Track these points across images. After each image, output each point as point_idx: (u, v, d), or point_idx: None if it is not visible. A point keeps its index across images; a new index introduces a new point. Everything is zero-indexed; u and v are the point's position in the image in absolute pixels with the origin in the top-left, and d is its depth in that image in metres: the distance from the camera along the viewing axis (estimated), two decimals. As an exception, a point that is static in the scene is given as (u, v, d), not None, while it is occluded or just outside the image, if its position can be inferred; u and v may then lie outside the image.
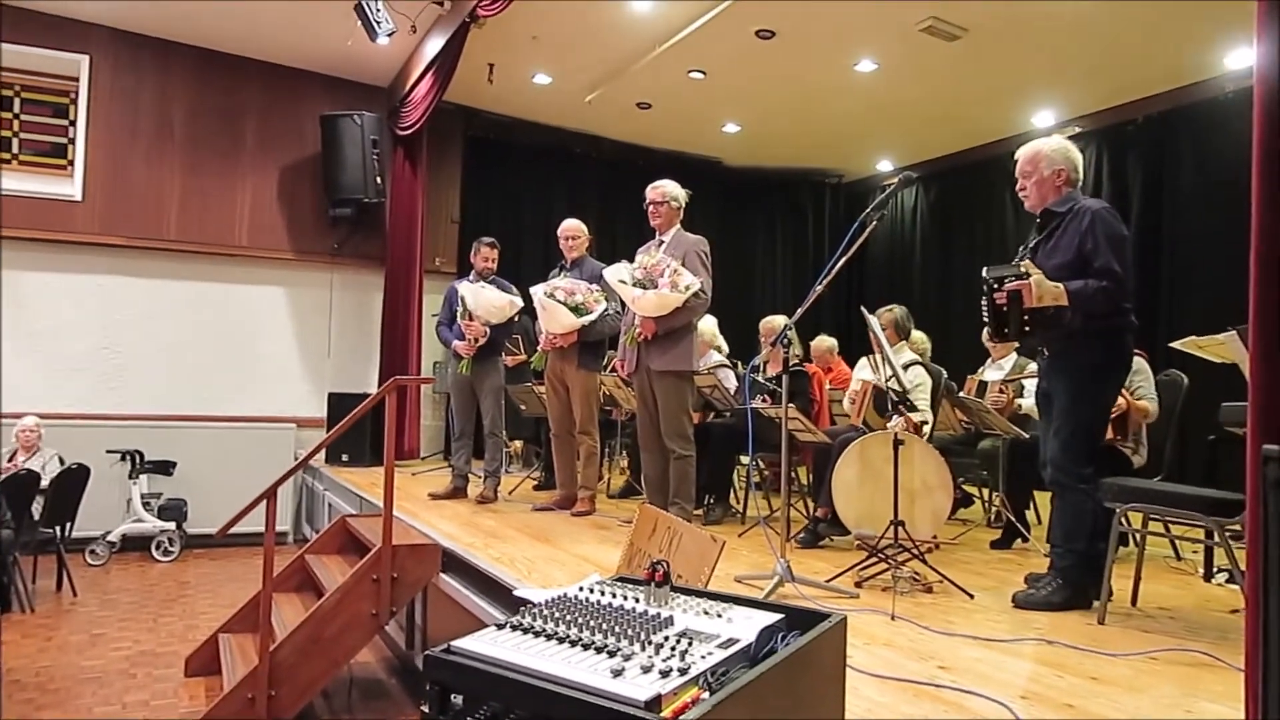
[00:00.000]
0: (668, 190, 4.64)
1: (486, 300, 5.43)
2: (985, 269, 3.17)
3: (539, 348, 5.26)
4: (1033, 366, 4.72)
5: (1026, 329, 3.06)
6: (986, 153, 8.62)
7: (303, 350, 8.11)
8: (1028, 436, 4.36)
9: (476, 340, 5.44)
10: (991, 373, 5.14)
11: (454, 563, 3.95)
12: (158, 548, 6.88)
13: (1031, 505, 4.75)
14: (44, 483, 5.67)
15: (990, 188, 8.57)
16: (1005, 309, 3.06)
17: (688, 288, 4.29)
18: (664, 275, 4.31)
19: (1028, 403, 4.68)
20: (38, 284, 7.13)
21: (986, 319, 3.17)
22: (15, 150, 7.11)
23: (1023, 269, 3.08)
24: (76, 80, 7.24)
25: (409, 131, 7.67)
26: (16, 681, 4.20)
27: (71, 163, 7.25)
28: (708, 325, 5.96)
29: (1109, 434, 3.49)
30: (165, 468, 7.07)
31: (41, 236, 7.07)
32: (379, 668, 4.78)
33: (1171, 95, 7.07)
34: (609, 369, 5.54)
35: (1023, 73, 7.06)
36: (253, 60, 7.79)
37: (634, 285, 4.39)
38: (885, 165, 9.94)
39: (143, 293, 7.48)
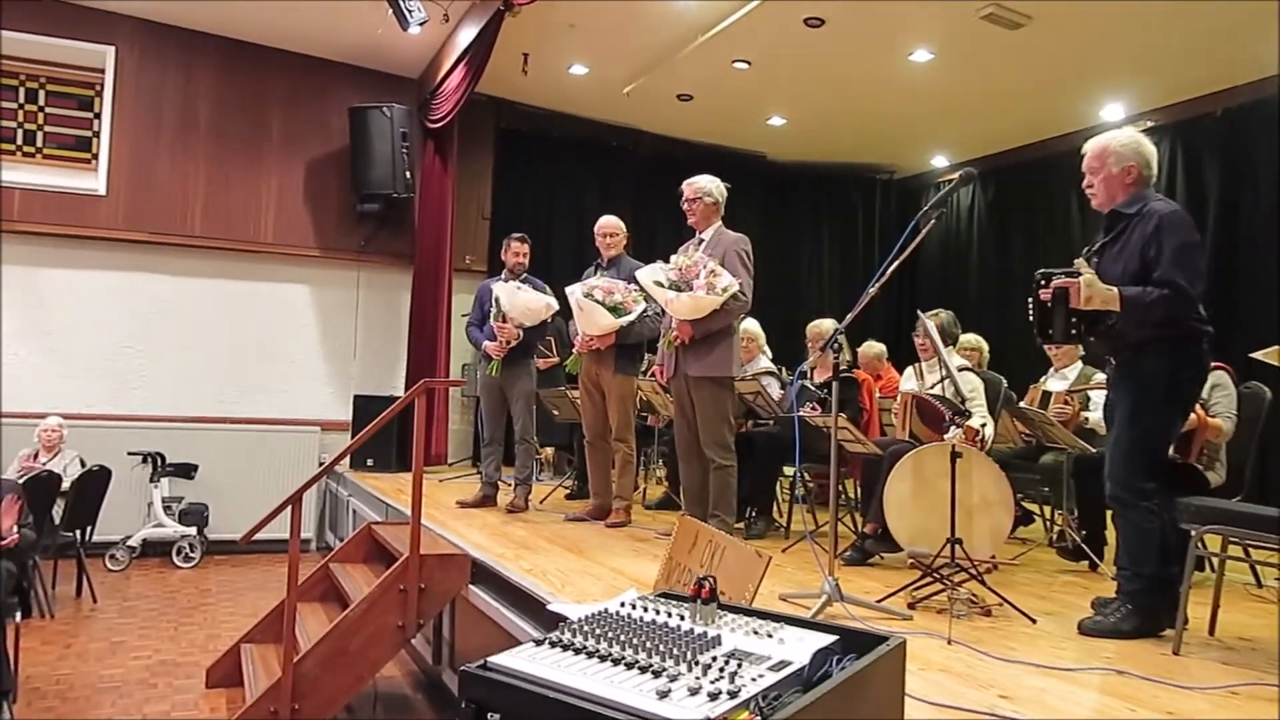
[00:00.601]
0: (701, 185, 4.63)
1: (523, 302, 5.44)
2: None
3: (574, 350, 5.26)
4: (1100, 377, 4.65)
5: (1073, 331, 3.01)
6: (1049, 148, 8.49)
7: (328, 351, 8.22)
8: (1094, 451, 4.28)
9: (508, 342, 5.47)
10: (1055, 382, 5.06)
11: (483, 574, 3.97)
12: (179, 553, 7.01)
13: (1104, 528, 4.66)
14: (65, 485, 5.80)
15: (1053, 186, 8.44)
16: (1050, 306, 3.02)
17: (725, 289, 4.28)
18: (699, 276, 4.30)
19: (1095, 416, 4.60)
20: (60, 281, 7.31)
21: (1031, 318, 3.13)
22: (40, 144, 7.29)
23: (1075, 267, 3.03)
24: (102, 72, 7.41)
25: (440, 124, 7.75)
26: (36, 689, 4.29)
27: (96, 156, 7.42)
28: (757, 328, 5.92)
29: (1180, 453, 3.40)
30: (187, 471, 7.20)
31: (64, 232, 7.24)
32: (405, 682, 4.82)
33: (1252, 87, 6.91)
34: (648, 374, 5.54)
35: (1090, 63, 6.94)
36: (280, 50, 7.92)
37: (669, 287, 4.39)
38: (940, 161, 9.84)
39: (166, 290, 7.63)
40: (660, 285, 4.41)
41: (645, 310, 4.97)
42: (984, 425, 4.36)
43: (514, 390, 5.60)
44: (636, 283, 4.78)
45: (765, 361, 5.90)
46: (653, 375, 5.17)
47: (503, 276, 5.74)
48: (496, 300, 5.50)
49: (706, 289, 4.27)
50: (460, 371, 8.43)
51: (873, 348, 6.64)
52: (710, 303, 4.29)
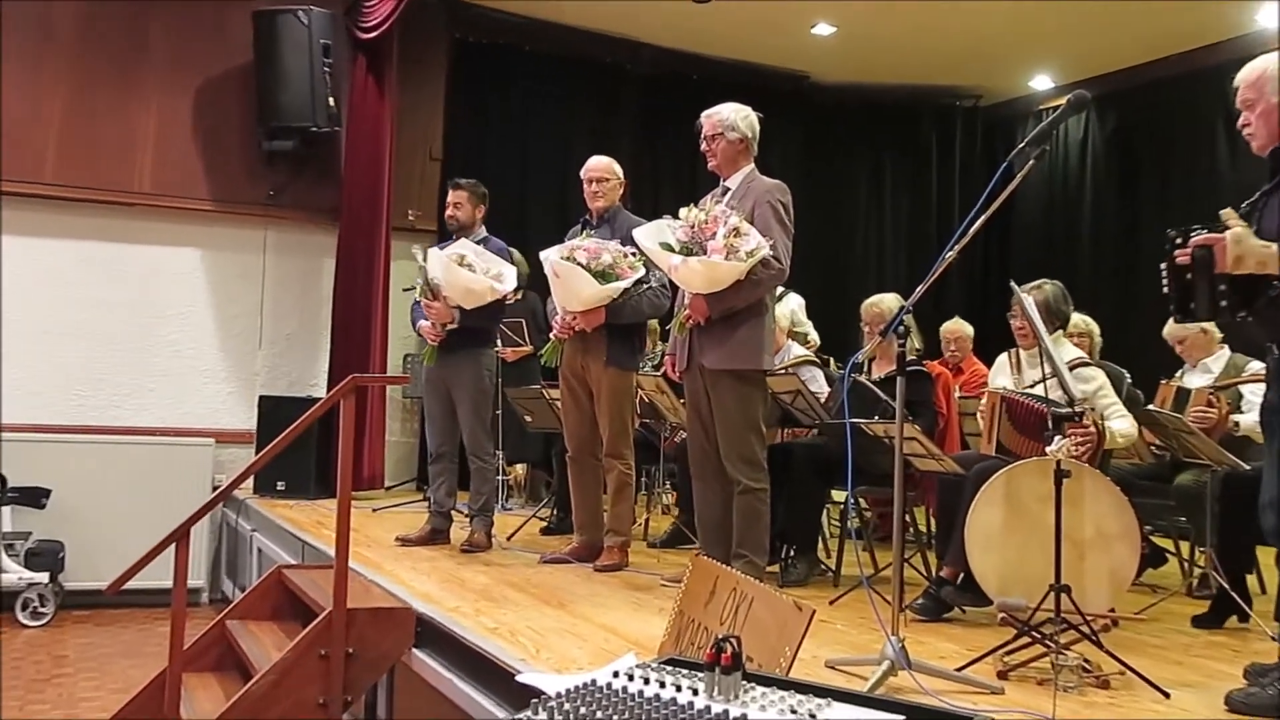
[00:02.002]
0: (725, 118, 4.61)
1: (461, 282, 5.35)
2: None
3: (551, 334, 5.25)
4: (1255, 366, 4.64)
5: (1223, 303, 2.98)
6: (1186, 64, 8.47)
7: (225, 337, 8.22)
8: (1248, 468, 4.27)
9: (443, 325, 5.45)
10: (1195, 377, 5.05)
11: (432, 634, 3.98)
12: (25, 608, 7.01)
13: (1255, 568, 4.66)
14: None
15: (1192, 113, 8.42)
16: (1190, 275, 3.01)
17: (751, 253, 4.26)
18: (717, 236, 4.28)
19: (1248, 419, 4.59)
20: None
21: (1167, 290, 3.12)
22: None
23: (1222, 218, 3.01)
24: (-78, -35, 7.40)
25: (374, 35, 7.75)
26: None
27: (-86, 78, 7.41)
28: (786, 305, 5.92)
29: None
30: (35, 498, 7.18)
31: (-128, 178, 7.24)
32: (327, 778, 4.82)
33: None
34: (659, 370, 5.54)
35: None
36: (161, -64, 7.91)
37: (679, 250, 4.37)
38: (1042, 83, 9.83)
39: (10, 256, 7.60)
40: (667, 248, 4.40)
41: (645, 278, 4.95)
42: (1122, 436, 4.38)
43: (459, 389, 5.58)
44: (634, 244, 4.77)
45: (799, 349, 5.89)
46: (663, 371, 5.17)
47: (454, 237, 5.71)
48: (422, 269, 5.48)
49: (726, 253, 4.25)
50: (402, 365, 8.44)
51: (958, 328, 6.63)
52: (730, 271, 4.27)
